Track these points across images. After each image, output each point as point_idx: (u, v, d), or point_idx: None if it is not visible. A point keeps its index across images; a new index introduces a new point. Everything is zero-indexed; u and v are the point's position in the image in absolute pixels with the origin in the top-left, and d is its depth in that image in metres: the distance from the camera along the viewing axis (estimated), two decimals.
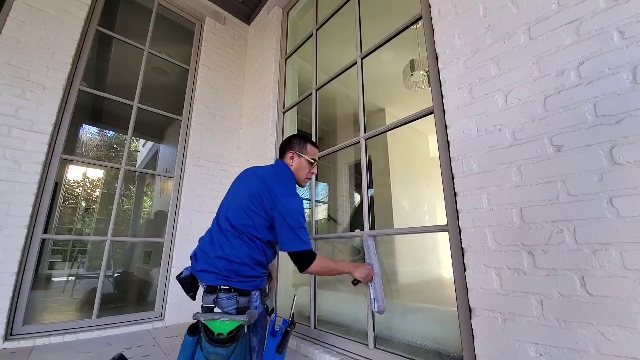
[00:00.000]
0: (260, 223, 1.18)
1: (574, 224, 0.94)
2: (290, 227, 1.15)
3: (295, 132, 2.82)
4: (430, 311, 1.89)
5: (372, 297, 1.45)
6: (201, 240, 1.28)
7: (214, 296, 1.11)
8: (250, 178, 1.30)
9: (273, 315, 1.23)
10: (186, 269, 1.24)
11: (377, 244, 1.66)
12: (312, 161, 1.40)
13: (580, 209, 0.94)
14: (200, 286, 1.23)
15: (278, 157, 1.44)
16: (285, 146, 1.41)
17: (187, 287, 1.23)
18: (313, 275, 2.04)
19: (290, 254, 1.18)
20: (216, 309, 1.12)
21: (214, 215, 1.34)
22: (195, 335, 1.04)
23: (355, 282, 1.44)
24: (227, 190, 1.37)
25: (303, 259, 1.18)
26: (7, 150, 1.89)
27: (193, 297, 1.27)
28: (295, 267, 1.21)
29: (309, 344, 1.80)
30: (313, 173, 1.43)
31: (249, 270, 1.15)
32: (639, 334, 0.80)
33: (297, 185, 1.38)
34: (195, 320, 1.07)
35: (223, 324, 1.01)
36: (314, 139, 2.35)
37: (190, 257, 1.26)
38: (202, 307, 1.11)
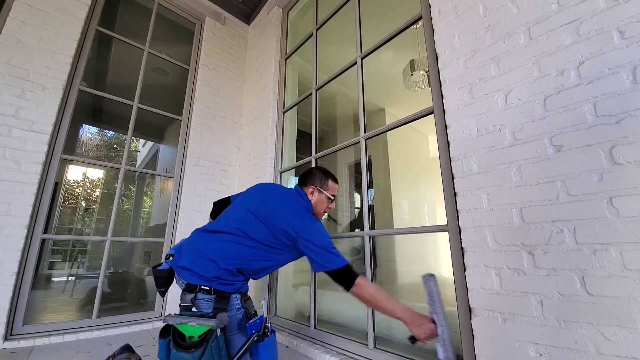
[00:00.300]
0: (276, 243, 1.20)
1: (574, 224, 0.94)
2: (321, 248, 1.15)
3: (295, 131, 2.84)
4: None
5: (441, 356, 1.02)
6: (194, 235, 1.26)
7: (192, 295, 1.10)
8: (271, 198, 1.28)
9: (257, 318, 1.17)
10: (166, 262, 1.21)
11: (378, 244, 1.65)
12: (332, 197, 1.41)
13: (580, 209, 0.94)
14: (176, 283, 1.22)
15: (297, 184, 1.44)
16: (307, 179, 1.41)
17: (161, 281, 1.21)
18: (313, 274, 2.04)
19: (329, 274, 1.14)
20: (193, 309, 1.10)
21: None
22: (166, 338, 1.02)
23: (413, 340, 1.05)
24: (244, 194, 1.38)
25: (344, 275, 1.12)
26: (7, 150, 1.89)
27: (162, 294, 1.24)
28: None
29: (309, 344, 1.80)
30: (330, 208, 1.43)
31: (231, 276, 1.16)
32: (639, 334, 0.80)
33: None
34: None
35: (192, 328, 0.99)
36: (313, 139, 2.36)
37: (171, 253, 1.23)
38: (180, 305, 1.10)
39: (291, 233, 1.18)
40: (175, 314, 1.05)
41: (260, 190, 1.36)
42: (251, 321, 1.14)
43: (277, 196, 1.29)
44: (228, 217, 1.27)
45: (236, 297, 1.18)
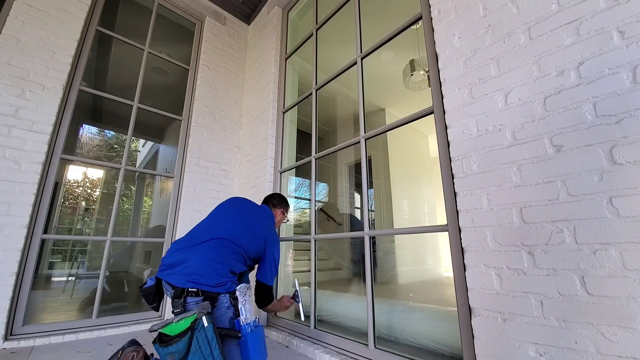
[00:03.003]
0: (254, 252, 1.42)
1: (574, 224, 0.94)
2: (275, 265, 1.50)
3: (295, 131, 2.85)
4: (430, 311, 1.89)
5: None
6: (178, 242, 1.30)
7: (181, 300, 1.12)
8: (254, 216, 1.53)
9: (241, 317, 1.20)
10: (150, 279, 1.25)
11: (378, 244, 1.69)
12: (287, 220, 1.90)
13: (580, 209, 0.94)
14: (166, 295, 1.24)
15: (269, 203, 1.77)
16: (279, 203, 1.79)
17: (150, 298, 1.24)
18: (314, 275, 2.06)
19: (262, 284, 1.50)
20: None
21: None
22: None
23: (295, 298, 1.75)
24: (221, 207, 1.58)
25: (268, 294, 1.53)
26: (7, 150, 1.89)
27: (156, 309, 1.31)
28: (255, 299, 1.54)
29: (309, 344, 1.80)
30: (278, 226, 1.85)
31: (221, 277, 1.20)
32: (639, 334, 0.80)
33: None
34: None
35: (177, 325, 0.99)
36: (313, 139, 2.37)
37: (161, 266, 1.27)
38: (172, 312, 1.13)
39: (263, 243, 1.45)
40: (156, 324, 1.07)
41: (242, 203, 1.60)
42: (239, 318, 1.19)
43: (262, 217, 1.57)
44: (214, 228, 1.35)
45: (225, 297, 1.21)
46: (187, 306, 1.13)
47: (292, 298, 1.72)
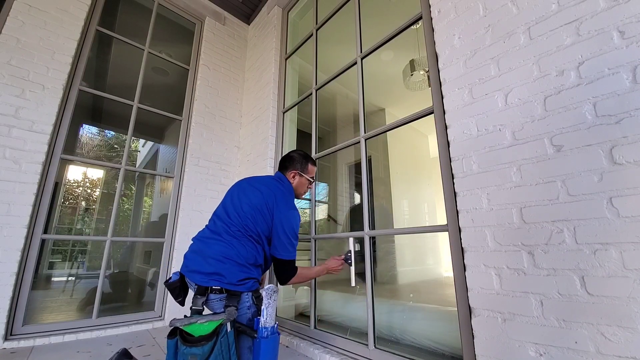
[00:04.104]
0: (265, 229, 1.28)
1: (574, 224, 0.94)
2: (287, 235, 1.28)
3: (295, 131, 2.84)
4: (430, 311, 1.89)
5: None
6: (195, 239, 1.29)
7: (204, 298, 1.12)
8: (258, 190, 1.36)
9: (262, 319, 1.20)
10: (174, 273, 1.25)
11: (378, 244, 1.69)
12: (311, 180, 1.56)
13: (580, 209, 0.94)
14: (190, 289, 1.24)
15: (279, 168, 1.56)
16: (288, 163, 1.53)
17: (176, 292, 1.24)
18: None
19: (278, 260, 1.30)
20: (205, 312, 1.11)
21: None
22: (174, 338, 1.03)
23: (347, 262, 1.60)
24: (227, 193, 1.43)
25: (287, 269, 1.31)
26: (7, 150, 1.89)
27: (182, 303, 1.27)
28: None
29: (309, 344, 1.80)
30: (310, 188, 1.61)
31: (243, 272, 1.18)
32: (639, 334, 0.80)
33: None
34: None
35: (201, 326, 0.99)
36: (313, 139, 2.36)
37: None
38: (191, 308, 1.12)
39: (269, 215, 1.29)
40: (178, 319, 1.06)
41: (247, 184, 1.43)
42: (258, 317, 1.16)
43: (269, 188, 1.38)
44: (226, 218, 1.30)
45: (247, 295, 1.19)
46: (209, 302, 1.13)
47: (344, 259, 1.55)
